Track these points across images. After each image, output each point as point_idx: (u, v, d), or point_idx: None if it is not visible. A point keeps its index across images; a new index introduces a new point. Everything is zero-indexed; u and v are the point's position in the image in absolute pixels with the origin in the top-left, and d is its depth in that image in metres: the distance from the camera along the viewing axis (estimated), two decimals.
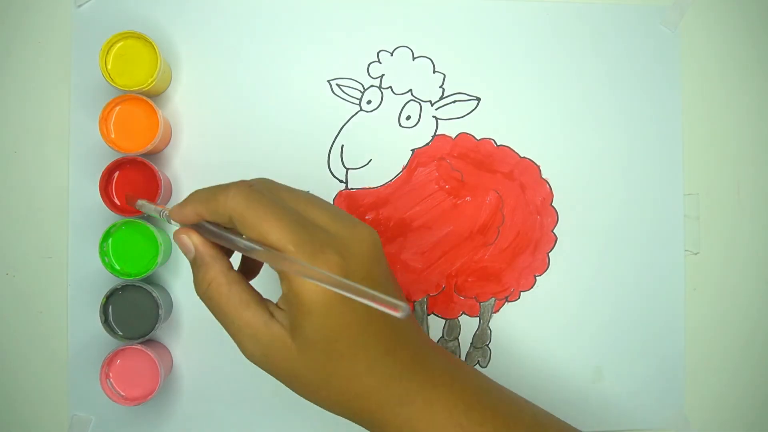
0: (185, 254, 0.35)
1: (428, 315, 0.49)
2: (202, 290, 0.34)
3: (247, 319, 0.33)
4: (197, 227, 0.35)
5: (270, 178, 0.48)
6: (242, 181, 0.34)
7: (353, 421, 0.36)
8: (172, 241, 0.44)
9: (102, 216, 0.46)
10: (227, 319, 0.34)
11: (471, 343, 0.49)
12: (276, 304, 0.34)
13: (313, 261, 0.31)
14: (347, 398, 0.34)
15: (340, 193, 0.48)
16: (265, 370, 0.35)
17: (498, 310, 0.49)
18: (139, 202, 0.41)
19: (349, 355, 0.33)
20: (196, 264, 0.35)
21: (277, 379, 0.35)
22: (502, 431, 0.35)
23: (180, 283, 0.47)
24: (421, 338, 0.37)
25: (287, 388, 0.35)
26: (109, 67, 0.44)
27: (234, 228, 0.33)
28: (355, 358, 0.33)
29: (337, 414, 0.36)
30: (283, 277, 0.32)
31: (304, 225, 0.32)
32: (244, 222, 0.32)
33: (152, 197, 0.44)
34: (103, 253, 0.43)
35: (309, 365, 0.33)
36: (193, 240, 0.34)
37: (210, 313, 0.35)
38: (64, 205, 0.47)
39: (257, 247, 0.32)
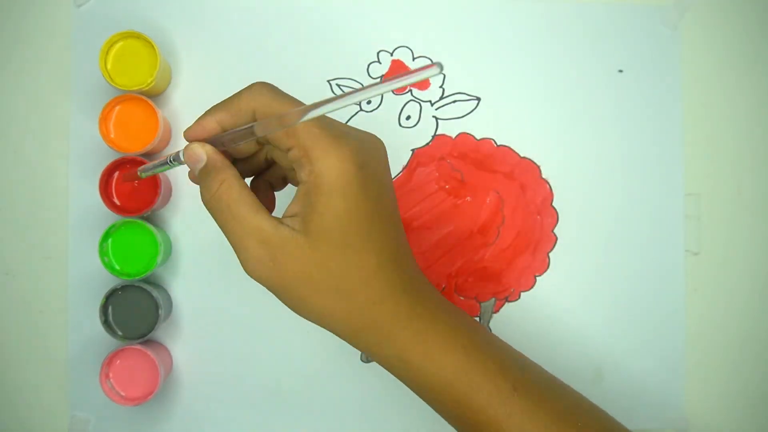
0: (193, 166, 0.35)
1: None
2: (212, 192, 0.34)
3: (257, 223, 0.33)
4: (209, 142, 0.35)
5: None
6: (259, 81, 0.35)
7: (358, 339, 0.36)
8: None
9: (102, 216, 0.46)
10: (235, 223, 0.33)
11: None
12: (280, 218, 0.34)
13: (337, 143, 0.32)
14: (358, 305, 0.34)
15: None
16: (268, 282, 0.34)
17: (498, 310, 0.49)
18: (140, 168, 0.39)
19: (361, 251, 0.33)
20: (206, 170, 0.34)
21: (280, 292, 0.34)
22: (499, 365, 0.36)
23: (180, 283, 0.47)
24: (417, 267, 0.38)
25: (292, 304, 0.35)
26: (108, 67, 0.44)
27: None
28: (367, 255, 0.34)
29: (343, 330, 0.35)
30: (304, 162, 0.33)
31: (326, 117, 0.33)
32: (269, 109, 0.33)
33: (152, 197, 0.44)
34: (103, 253, 0.43)
35: (321, 262, 0.33)
36: (205, 148, 0.34)
37: (217, 222, 0.34)
38: (64, 205, 0.47)
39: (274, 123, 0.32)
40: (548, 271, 0.50)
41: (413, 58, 0.49)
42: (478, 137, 0.49)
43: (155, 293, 0.44)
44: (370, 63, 0.49)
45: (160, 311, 0.44)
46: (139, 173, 0.40)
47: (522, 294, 0.50)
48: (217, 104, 0.35)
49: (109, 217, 0.45)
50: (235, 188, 0.34)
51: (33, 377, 0.47)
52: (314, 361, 0.48)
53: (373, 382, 0.48)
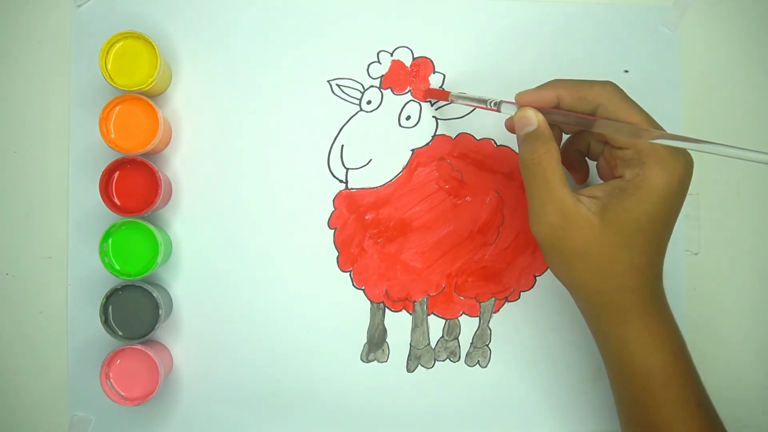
0: (521, 127, 0.39)
1: (428, 315, 0.49)
2: (536, 156, 0.38)
3: (562, 195, 0.38)
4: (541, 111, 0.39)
5: (270, 177, 0.48)
6: (611, 81, 0.39)
7: (593, 310, 0.40)
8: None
9: (102, 216, 0.46)
10: (545, 187, 0.38)
11: (471, 343, 0.49)
12: (578, 194, 0.38)
13: (672, 158, 0.36)
14: (611, 287, 0.39)
15: (340, 193, 0.48)
16: (546, 241, 0.39)
17: (498, 310, 0.49)
18: (453, 93, 0.45)
19: (640, 250, 0.38)
20: (534, 136, 0.39)
21: (551, 253, 0.39)
22: (693, 379, 0.41)
23: (180, 283, 0.47)
24: (662, 268, 0.41)
25: (555, 265, 0.40)
26: (109, 67, 0.44)
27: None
28: (642, 255, 0.38)
29: (585, 299, 0.40)
30: (635, 164, 0.37)
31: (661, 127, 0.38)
32: (615, 110, 0.37)
33: (152, 197, 0.44)
34: (103, 253, 0.43)
35: (602, 245, 0.37)
36: (538, 117, 0.39)
37: (525, 179, 0.39)
38: (64, 205, 0.47)
39: (623, 126, 0.37)
40: (548, 271, 0.50)
41: (413, 58, 0.49)
42: (478, 137, 0.49)
43: (155, 293, 0.44)
44: (370, 63, 0.49)
45: (160, 311, 0.44)
46: (450, 97, 0.45)
47: (522, 294, 0.50)
48: (561, 80, 0.40)
49: (109, 217, 0.45)
50: (554, 159, 0.38)
51: (33, 377, 0.47)
52: (314, 361, 0.48)
53: (373, 382, 0.48)
